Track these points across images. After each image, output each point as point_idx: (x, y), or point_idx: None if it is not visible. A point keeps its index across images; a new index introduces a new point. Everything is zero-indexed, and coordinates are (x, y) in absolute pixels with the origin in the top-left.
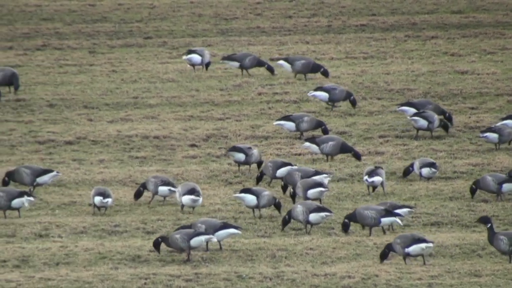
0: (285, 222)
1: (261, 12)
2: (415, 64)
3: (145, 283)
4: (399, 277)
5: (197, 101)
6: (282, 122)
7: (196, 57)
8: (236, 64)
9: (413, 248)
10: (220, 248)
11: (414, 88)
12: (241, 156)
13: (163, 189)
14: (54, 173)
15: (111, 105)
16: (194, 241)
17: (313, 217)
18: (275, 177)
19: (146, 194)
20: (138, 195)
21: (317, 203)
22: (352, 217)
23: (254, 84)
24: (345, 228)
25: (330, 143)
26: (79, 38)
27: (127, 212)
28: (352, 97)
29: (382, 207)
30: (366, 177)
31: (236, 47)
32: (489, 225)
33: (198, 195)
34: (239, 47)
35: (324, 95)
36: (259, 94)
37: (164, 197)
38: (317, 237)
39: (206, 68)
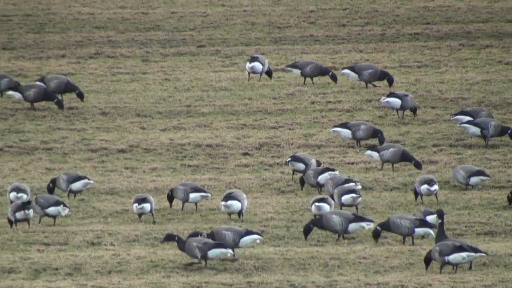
0: (309, 230)
1: (314, 20)
2: (469, 73)
3: None
4: (452, 287)
5: (250, 109)
6: (338, 129)
7: (258, 65)
8: (298, 71)
9: (454, 257)
10: (233, 255)
11: (468, 97)
12: (301, 166)
13: (194, 196)
14: (86, 180)
15: (164, 113)
16: (212, 253)
17: (352, 227)
18: (318, 184)
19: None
20: (170, 200)
21: (354, 212)
22: (385, 226)
23: (307, 93)
24: (376, 236)
25: (391, 149)
26: (132, 46)
27: (180, 220)
28: (415, 106)
29: (416, 217)
30: (425, 186)
31: (290, 55)
32: None
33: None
34: (292, 56)
35: (397, 101)
36: (312, 102)
37: (196, 203)
38: (370, 246)
39: (270, 77)
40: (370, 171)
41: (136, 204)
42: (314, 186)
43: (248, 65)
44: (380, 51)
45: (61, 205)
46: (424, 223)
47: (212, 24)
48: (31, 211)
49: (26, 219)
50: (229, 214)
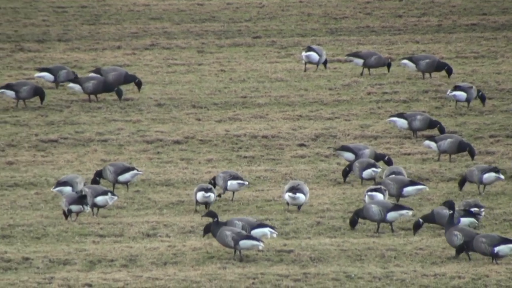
0: (354, 222)
1: (370, 11)
2: None
3: (253, 283)
4: (510, 277)
5: (306, 100)
6: (395, 118)
7: (314, 55)
8: (360, 61)
9: (501, 248)
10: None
11: None
12: (349, 156)
13: (232, 183)
14: (135, 171)
15: (219, 105)
16: (244, 243)
17: (391, 215)
18: (362, 178)
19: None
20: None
21: (393, 201)
22: (429, 218)
23: (363, 84)
24: (416, 228)
25: (448, 140)
26: (188, 38)
27: (235, 211)
28: (481, 93)
29: (461, 208)
30: (493, 174)
31: (346, 46)
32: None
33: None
34: (348, 47)
35: (462, 94)
36: (368, 93)
37: (234, 191)
38: (427, 237)
39: (325, 67)
40: (427, 162)
41: (203, 193)
42: (359, 179)
43: (303, 53)
44: (437, 42)
45: (109, 194)
46: (468, 213)
47: (268, 15)
48: (87, 207)
49: (81, 212)
50: (293, 205)
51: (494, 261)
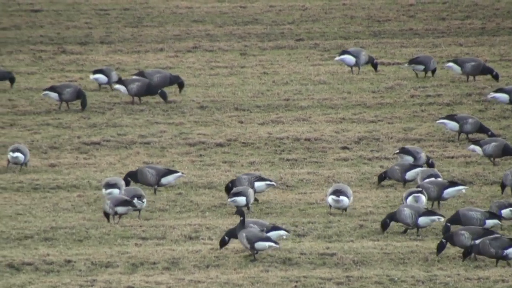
0: (386, 225)
1: (414, 14)
2: None
3: (295, 286)
4: None
5: (349, 103)
6: (445, 121)
7: (349, 58)
8: (421, 67)
9: (510, 251)
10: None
11: None
12: (409, 159)
13: (259, 184)
14: (179, 173)
15: (262, 107)
16: (258, 245)
17: (422, 220)
18: (405, 181)
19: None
20: (228, 190)
21: (425, 206)
22: (455, 220)
23: (406, 86)
24: (446, 230)
25: (493, 143)
26: (230, 40)
27: (278, 214)
28: None
29: (493, 209)
30: None
31: (389, 49)
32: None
33: (338, 196)
34: (391, 50)
35: (505, 96)
36: (412, 96)
37: (260, 192)
38: None
39: (375, 69)
40: (471, 165)
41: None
42: (400, 181)
43: (336, 58)
44: (480, 44)
45: (135, 200)
46: (493, 215)
47: (311, 18)
48: (130, 208)
49: (125, 214)
50: (336, 208)
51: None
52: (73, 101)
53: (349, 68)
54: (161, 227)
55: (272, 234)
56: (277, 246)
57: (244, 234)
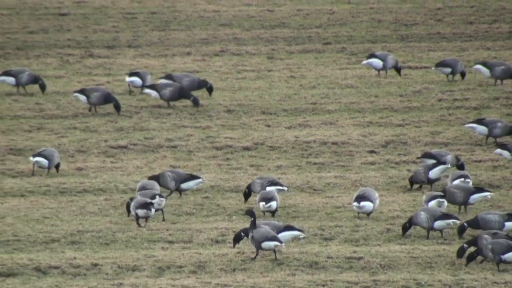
0: (406, 228)
1: (441, 18)
2: None
3: None
4: None
5: (376, 107)
6: (474, 125)
7: (376, 62)
8: (448, 70)
9: (509, 255)
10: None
11: None
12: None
13: (269, 189)
14: (200, 180)
15: (289, 111)
16: (265, 245)
17: (438, 224)
18: (429, 181)
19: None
20: (246, 196)
21: (441, 210)
22: (474, 224)
23: (434, 90)
24: (461, 232)
25: None
26: (258, 44)
27: (305, 218)
28: None
29: (505, 212)
30: None
31: (416, 53)
32: None
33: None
34: (419, 53)
35: None
36: (439, 100)
37: None
38: None
39: (399, 73)
40: (498, 169)
41: (264, 203)
42: (425, 183)
43: (364, 61)
44: (508, 48)
45: (157, 197)
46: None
47: (338, 22)
48: (152, 211)
49: (147, 217)
50: (361, 213)
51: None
52: (100, 105)
53: (377, 72)
54: (188, 230)
55: (286, 234)
56: (282, 245)
57: (251, 235)
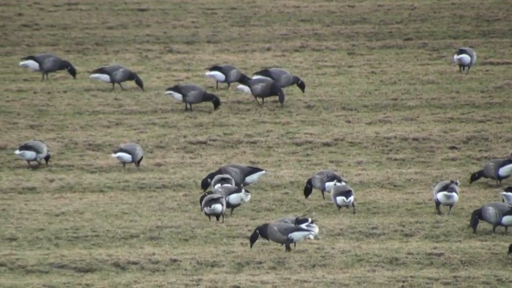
0: (476, 222)
1: None
2: None
3: (402, 286)
4: None
5: (458, 103)
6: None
7: (466, 57)
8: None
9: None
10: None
11: None
12: None
13: (330, 184)
14: (263, 172)
15: (369, 107)
16: (294, 235)
17: (506, 219)
18: (499, 177)
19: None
20: (307, 192)
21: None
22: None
23: None
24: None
25: None
26: (338, 39)
27: (385, 214)
28: None
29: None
30: None
31: (498, 48)
32: None
33: (451, 191)
34: (500, 49)
35: None
36: None
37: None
38: None
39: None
40: None
41: (344, 198)
42: (494, 179)
43: (455, 56)
44: None
45: (243, 191)
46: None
47: (420, 17)
48: (216, 206)
49: (214, 214)
50: (446, 205)
51: None
52: (196, 103)
53: (458, 68)
54: None
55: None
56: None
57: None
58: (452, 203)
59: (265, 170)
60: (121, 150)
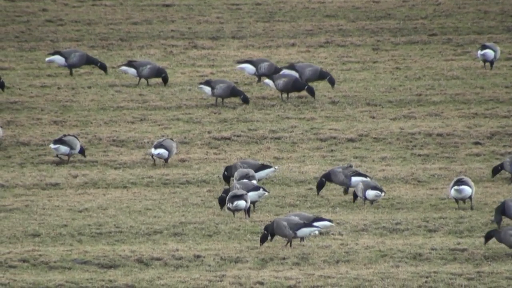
0: (500, 219)
1: None
2: None
3: (426, 282)
4: None
5: (482, 98)
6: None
7: (490, 53)
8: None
9: None
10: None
11: None
12: None
13: (355, 179)
14: (272, 169)
15: (394, 102)
16: (301, 232)
17: None
18: None
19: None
20: (319, 186)
21: None
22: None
23: None
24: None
25: None
26: (363, 35)
27: (409, 209)
28: None
29: None
30: None
31: None
32: None
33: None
34: None
35: None
36: None
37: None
38: None
39: (491, 66)
40: None
41: (377, 192)
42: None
43: (479, 52)
44: None
45: (261, 189)
46: None
47: (444, 13)
48: (239, 203)
49: (236, 210)
50: (459, 199)
51: None
52: (226, 98)
53: (482, 63)
54: None
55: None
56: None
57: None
58: (465, 197)
59: (275, 167)
60: (161, 146)
